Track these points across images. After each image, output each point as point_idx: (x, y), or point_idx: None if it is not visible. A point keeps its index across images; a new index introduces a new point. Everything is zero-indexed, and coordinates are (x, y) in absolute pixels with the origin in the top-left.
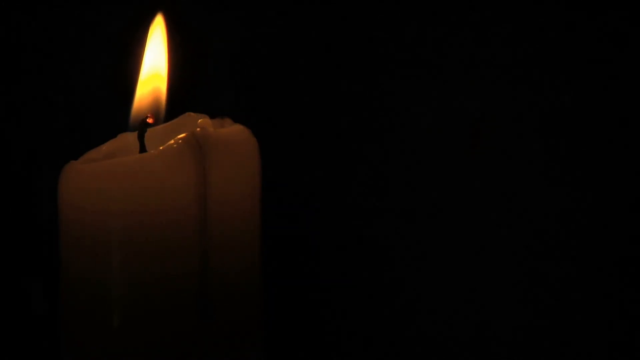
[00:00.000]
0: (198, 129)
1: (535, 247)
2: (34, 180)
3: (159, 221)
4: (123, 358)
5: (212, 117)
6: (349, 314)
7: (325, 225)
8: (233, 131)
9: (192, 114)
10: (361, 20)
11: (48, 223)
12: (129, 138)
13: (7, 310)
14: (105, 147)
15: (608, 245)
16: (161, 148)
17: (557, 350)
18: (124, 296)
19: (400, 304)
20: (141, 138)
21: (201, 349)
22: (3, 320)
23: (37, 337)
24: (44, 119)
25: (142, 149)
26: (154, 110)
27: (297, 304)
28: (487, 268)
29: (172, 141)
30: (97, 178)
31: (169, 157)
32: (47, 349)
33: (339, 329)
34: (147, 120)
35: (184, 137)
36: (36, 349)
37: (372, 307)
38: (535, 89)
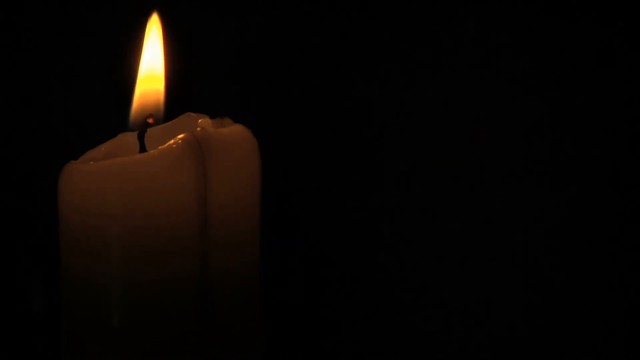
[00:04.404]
0: (198, 129)
1: (536, 246)
2: (34, 180)
3: (159, 221)
4: (123, 358)
5: (212, 117)
6: (348, 314)
7: (325, 225)
8: (233, 131)
9: (192, 114)
10: (361, 20)
11: (48, 223)
12: (129, 138)
13: (7, 310)
14: (105, 147)
15: (608, 244)
16: (161, 148)
17: (556, 349)
18: (123, 296)
19: (401, 304)
20: (141, 138)
21: (201, 349)
22: (3, 320)
23: (37, 337)
24: (44, 119)
25: (142, 149)
26: (154, 110)
27: (297, 304)
28: (487, 268)
29: (172, 141)
30: (96, 178)
31: (169, 157)
32: (47, 349)
33: (339, 329)
34: (147, 120)
35: (184, 137)
36: (36, 349)
37: (372, 307)
38: (535, 89)
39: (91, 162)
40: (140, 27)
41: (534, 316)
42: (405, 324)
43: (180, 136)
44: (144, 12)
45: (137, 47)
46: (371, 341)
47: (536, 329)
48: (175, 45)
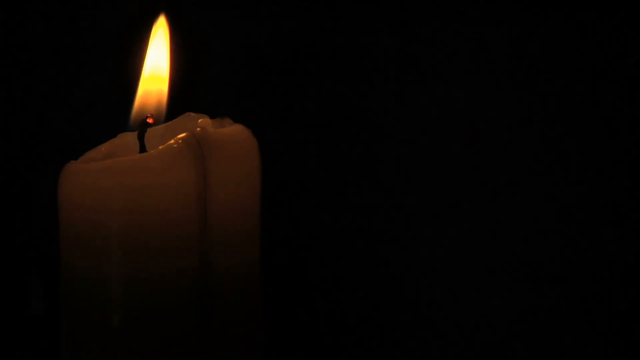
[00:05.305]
0: (198, 129)
1: (535, 246)
2: (34, 180)
3: (159, 221)
4: (123, 358)
5: (212, 117)
6: (348, 314)
7: (325, 225)
8: (233, 131)
9: (192, 114)
10: (361, 20)
11: (48, 223)
12: (129, 138)
13: (7, 310)
14: (105, 147)
15: (607, 244)
16: (161, 148)
17: (554, 349)
18: (123, 296)
19: (401, 304)
20: (141, 138)
21: (201, 348)
22: (3, 320)
23: (37, 337)
24: (44, 118)
25: (142, 149)
26: (156, 111)
27: (297, 303)
28: (486, 268)
29: (172, 141)
30: (97, 178)
31: (169, 157)
32: (47, 349)
33: (338, 328)
34: (147, 120)
35: (184, 137)
36: (36, 349)
37: (371, 306)
38: (533, 89)
39: (91, 162)
40: (144, 28)
41: (533, 317)
42: (406, 324)
43: (180, 136)
44: (148, 13)
45: (140, 47)
46: (371, 341)
47: (537, 329)
48: (179, 46)
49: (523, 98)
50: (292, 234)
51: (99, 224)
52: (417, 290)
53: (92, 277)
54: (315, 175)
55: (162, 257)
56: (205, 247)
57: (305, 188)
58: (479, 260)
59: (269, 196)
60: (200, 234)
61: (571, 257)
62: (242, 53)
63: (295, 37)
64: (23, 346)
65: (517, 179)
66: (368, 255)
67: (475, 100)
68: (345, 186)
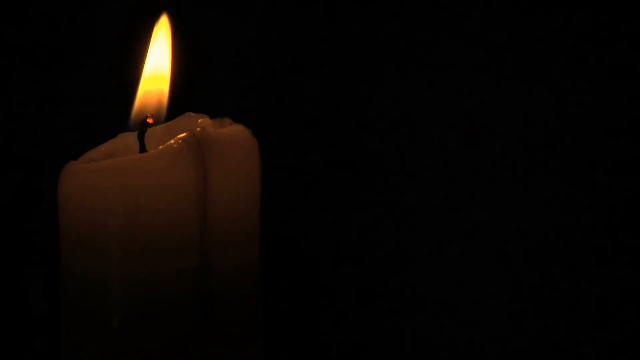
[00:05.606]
0: (198, 129)
1: (534, 246)
2: (34, 181)
3: (159, 221)
4: (123, 358)
5: (212, 117)
6: (348, 314)
7: (324, 225)
8: (233, 131)
9: (192, 114)
10: (361, 20)
11: (48, 223)
12: (129, 138)
13: (7, 310)
14: (105, 147)
15: (606, 244)
16: (161, 148)
17: (554, 350)
18: (123, 296)
19: (400, 305)
20: (141, 138)
21: (201, 348)
22: (3, 320)
23: (37, 337)
24: (44, 118)
25: (142, 149)
26: (156, 111)
27: (297, 304)
28: (485, 268)
29: (172, 141)
30: (97, 178)
31: (168, 157)
32: (47, 349)
33: (338, 329)
34: (147, 120)
35: (184, 137)
36: (36, 349)
37: (371, 307)
38: (531, 88)
39: (91, 162)
40: (145, 28)
41: (534, 317)
42: (406, 324)
43: (180, 136)
44: (150, 13)
45: (141, 47)
46: (371, 341)
47: (537, 329)
48: (180, 46)
49: (523, 98)
50: (292, 234)
51: (99, 224)
52: (417, 290)
53: (92, 277)
54: (315, 175)
55: (162, 257)
56: (205, 247)
57: (305, 188)
58: (480, 260)
59: (269, 196)
60: (200, 234)
61: (572, 257)
62: (243, 53)
63: (295, 37)
64: (23, 346)
65: (517, 179)
66: (368, 255)
67: (475, 100)
68: (345, 186)
